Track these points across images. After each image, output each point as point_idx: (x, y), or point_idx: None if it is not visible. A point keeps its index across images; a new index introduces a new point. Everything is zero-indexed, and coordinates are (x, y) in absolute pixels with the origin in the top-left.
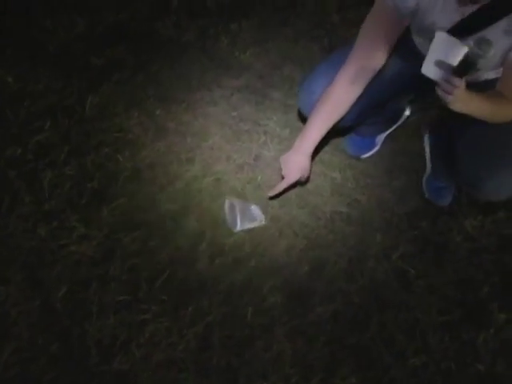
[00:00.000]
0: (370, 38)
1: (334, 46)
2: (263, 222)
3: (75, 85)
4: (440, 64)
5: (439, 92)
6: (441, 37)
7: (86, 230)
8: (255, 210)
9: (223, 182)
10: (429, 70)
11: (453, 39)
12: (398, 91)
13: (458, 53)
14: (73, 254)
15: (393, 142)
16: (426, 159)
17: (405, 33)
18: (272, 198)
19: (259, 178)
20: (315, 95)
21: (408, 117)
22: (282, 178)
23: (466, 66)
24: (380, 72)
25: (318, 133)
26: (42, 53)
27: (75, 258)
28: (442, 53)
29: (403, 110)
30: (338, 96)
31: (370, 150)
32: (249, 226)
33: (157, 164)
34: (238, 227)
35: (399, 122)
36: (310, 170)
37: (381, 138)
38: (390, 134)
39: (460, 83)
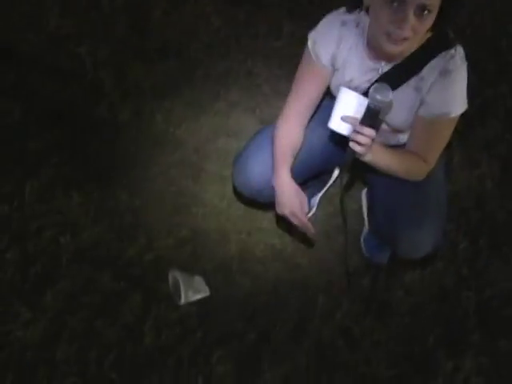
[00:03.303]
0: (303, 82)
1: (265, 116)
2: (207, 293)
3: (13, 171)
4: (346, 118)
5: (351, 144)
6: (344, 92)
7: (31, 315)
8: (199, 281)
9: (165, 256)
10: (336, 124)
11: (354, 93)
12: (329, 158)
13: (361, 105)
14: (19, 339)
15: (328, 203)
16: (363, 217)
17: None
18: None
19: (200, 249)
20: (251, 173)
21: (338, 176)
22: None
23: (371, 118)
24: (309, 142)
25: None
26: None
27: (21, 343)
28: (347, 107)
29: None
30: (290, 134)
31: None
32: (193, 298)
33: (99, 244)
34: (183, 300)
35: (330, 182)
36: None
37: (315, 200)
38: (324, 195)
39: (370, 133)
